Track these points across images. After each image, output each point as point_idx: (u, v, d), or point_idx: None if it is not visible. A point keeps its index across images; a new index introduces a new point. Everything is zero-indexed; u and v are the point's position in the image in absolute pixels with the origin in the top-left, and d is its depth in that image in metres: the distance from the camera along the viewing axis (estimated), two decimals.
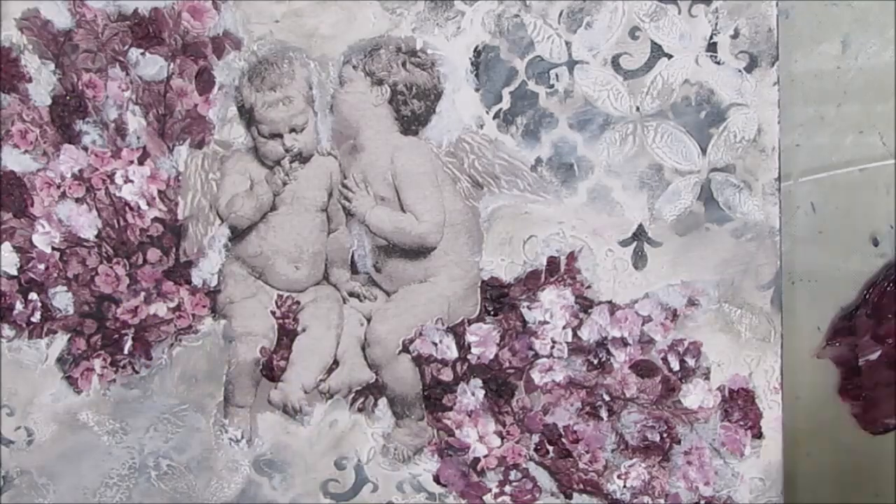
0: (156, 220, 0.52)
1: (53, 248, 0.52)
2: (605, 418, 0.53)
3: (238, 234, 0.53)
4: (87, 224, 0.52)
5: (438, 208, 0.52)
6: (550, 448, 0.53)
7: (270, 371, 0.53)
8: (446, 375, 0.53)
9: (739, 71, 0.51)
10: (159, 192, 0.52)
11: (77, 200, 0.52)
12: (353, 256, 0.53)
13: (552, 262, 0.52)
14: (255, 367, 0.53)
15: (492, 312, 0.53)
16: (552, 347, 0.53)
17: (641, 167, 0.52)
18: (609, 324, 0.53)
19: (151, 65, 0.51)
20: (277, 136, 0.52)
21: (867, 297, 0.55)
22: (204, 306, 0.53)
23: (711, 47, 0.51)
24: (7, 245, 0.52)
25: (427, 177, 0.52)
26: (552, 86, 0.51)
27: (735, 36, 0.51)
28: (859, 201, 0.54)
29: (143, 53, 0.51)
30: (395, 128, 0.52)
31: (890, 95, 0.54)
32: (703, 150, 0.52)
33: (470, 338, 0.53)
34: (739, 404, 0.53)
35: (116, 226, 0.52)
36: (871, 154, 0.54)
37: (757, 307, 0.52)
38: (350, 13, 0.51)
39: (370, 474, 0.54)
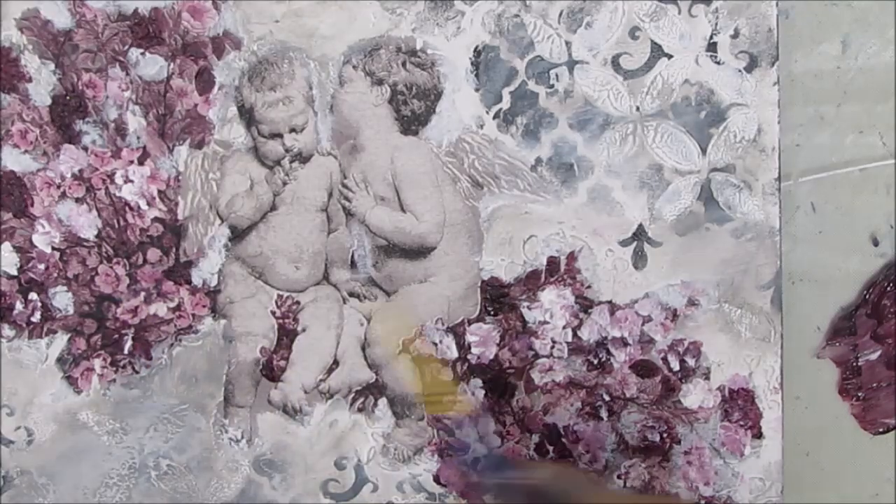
0: (156, 220, 0.52)
1: (53, 248, 0.52)
2: (605, 418, 0.53)
3: (238, 234, 0.53)
4: (87, 224, 0.52)
5: (438, 208, 0.52)
6: (550, 448, 0.53)
7: (270, 371, 0.53)
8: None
9: (739, 71, 0.51)
10: (159, 192, 0.52)
11: (77, 200, 0.52)
12: (353, 256, 0.53)
13: (552, 262, 0.52)
14: (255, 367, 0.53)
15: (492, 312, 0.53)
16: (552, 347, 0.53)
17: (641, 167, 0.52)
18: (609, 324, 0.53)
19: (151, 65, 0.51)
20: (277, 136, 0.52)
21: (867, 297, 0.55)
22: (204, 306, 0.53)
23: (711, 47, 0.51)
24: (7, 245, 0.52)
25: (427, 177, 0.52)
26: (552, 86, 0.51)
27: (735, 36, 0.51)
28: (859, 201, 0.54)
29: (143, 53, 0.51)
30: (395, 128, 0.52)
31: (890, 95, 0.54)
32: (703, 150, 0.52)
33: (470, 338, 0.53)
34: (739, 404, 0.53)
35: (116, 226, 0.52)
36: (871, 154, 0.54)
37: (757, 307, 0.52)
38: (350, 13, 0.51)
39: (370, 474, 0.54)
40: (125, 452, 0.53)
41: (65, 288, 0.52)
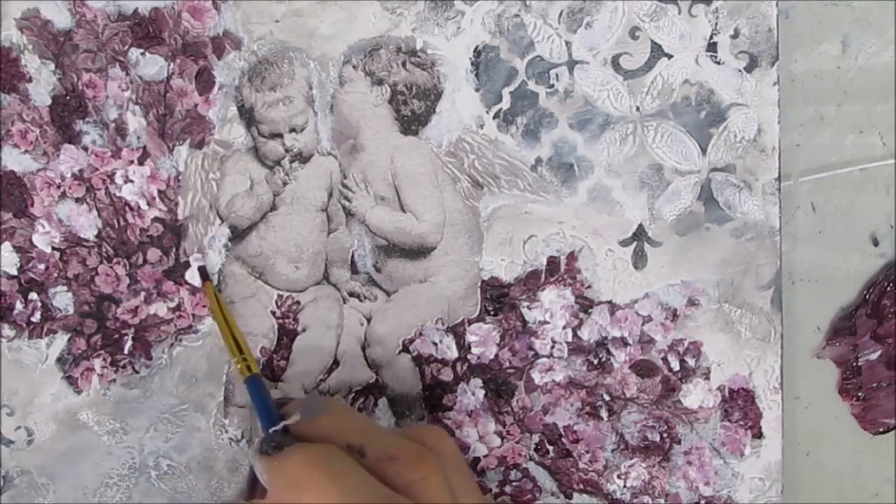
0: (156, 220, 0.52)
1: (53, 248, 0.52)
2: (605, 418, 0.53)
3: (238, 234, 0.53)
4: (87, 224, 0.52)
5: (438, 208, 0.52)
6: (550, 448, 0.53)
7: (270, 371, 0.53)
8: (446, 375, 0.53)
9: (739, 71, 0.51)
10: (159, 192, 0.52)
11: (77, 200, 0.52)
12: (353, 256, 0.53)
13: (552, 262, 0.52)
14: None
15: (492, 312, 0.53)
16: (552, 347, 0.53)
17: (641, 167, 0.52)
18: (609, 324, 0.53)
19: (151, 65, 0.51)
20: (277, 136, 0.52)
21: (867, 297, 0.55)
22: (204, 306, 0.53)
23: (711, 47, 0.51)
24: (7, 245, 0.52)
25: (427, 177, 0.52)
26: (552, 86, 0.51)
27: (735, 36, 0.51)
28: (859, 201, 0.54)
29: (143, 53, 0.51)
30: (395, 128, 0.52)
31: (890, 95, 0.54)
32: (703, 150, 0.52)
33: (470, 338, 0.53)
34: (739, 404, 0.53)
35: (116, 226, 0.52)
36: (871, 154, 0.54)
37: (757, 307, 0.52)
38: (350, 13, 0.51)
39: None
40: (125, 452, 0.53)
41: (65, 288, 0.52)
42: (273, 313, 0.53)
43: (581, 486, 0.54)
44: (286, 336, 0.53)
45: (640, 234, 0.52)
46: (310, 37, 0.51)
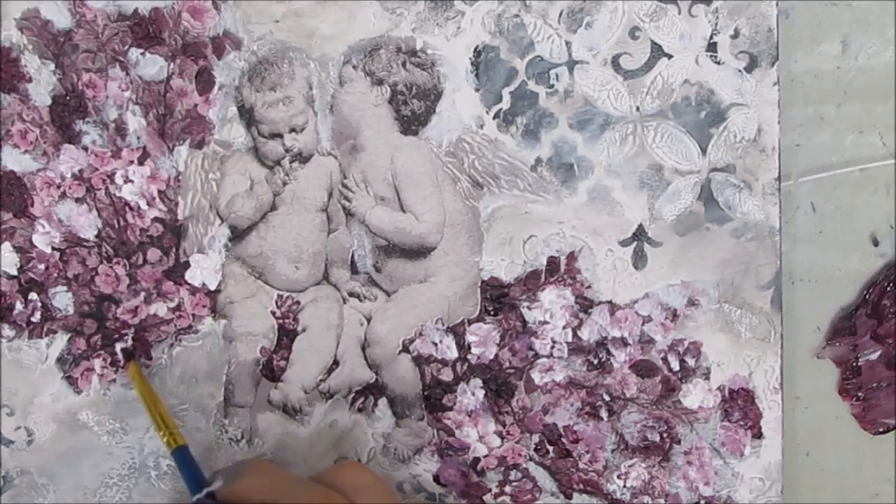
0: (156, 220, 0.52)
1: (53, 248, 0.52)
2: (605, 418, 0.53)
3: (238, 234, 0.53)
4: (87, 224, 0.52)
5: (438, 208, 0.52)
6: (550, 448, 0.53)
7: (270, 371, 0.53)
8: (446, 375, 0.53)
9: (739, 71, 0.51)
10: (159, 192, 0.52)
11: (77, 200, 0.52)
12: (353, 256, 0.53)
13: (552, 262, 0.52)
14: (255, 367, 0.53)
15: (492, 312, 0.53)
16: (552, 347, 0.53)
17: (641, 167, 0.52)
18: (609, 324, 0.53)
19: (151, 65, 0.51)
20: (277, 136, 0.52)
21: (867, 297, 0.55)
22: (204, 306, 0.53)
23: (711, 47, 0.51)
24: (7, 245, 0.52)
25: (427, 177, 0.52)
26: (552, 86, 0.51)
27: (735, 36, 0.51)
28: (859, 201, 0.54)
29: (143, 53, 0.51)
30: (395, 128, 0.52)
31: (890, 95, 0.54)
32: (703, 150, 0.52)
33: (470, 338, 0.53)
34: (739, 404, 0.53)
35: (116, 226, 0.52)
36: (871, 154, 0.54)
37: (757, 307, 0.52)
38: (350, 13, 0.51)
39: None
40: (125, 452, 0.53)
41: (65, 288, 0.52)
42: (273, 313, 0.53)
43: (581, 486, 0.54)
44: (286, 336, 0.53)
45: (640, 234, 0.52)
46: (310, 37, 0.51)
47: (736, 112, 0.51)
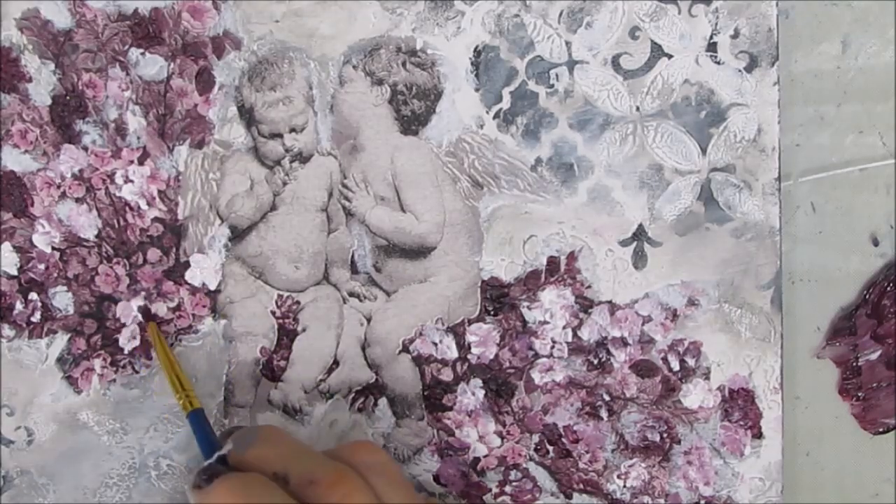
0: (156, 220, 0.52)
1: (53, 248, 0.52)
2: (605, 418, 0.53)
3: (238, 234, 0.53)
4: (87, 224, 0.52)
5: (438, 208, 0.52)
6: (550, 448, 0.53)
7: (270, 371, 0.53)
8: (446, 375, 0.53)
9: (739, 71, 0.51)
10: (159, 192, 0.52)
11: (77, 200, 0.52)
12: (353, 256, 0.53)
13: (552, 262, 0.52)
14: (255, 367, 0.53)
15: (492, 312, 0.53)
16: (552, 347, 0.53)
17: (641, 167, 0.52)
18: (609, 324, 0.53)
19: (151, 65, 0.51)
20: (277, 136, 0.52)
21: (867, 297, 0.55)
22: (204, 306, 0.53)
23: (711, 47, 0.51)
24: (7, 245, 0.52)
25: (427, 177, 0.52)
26: (552, 86, 0.51)
27: (735, 36, 0.51)
28: (859, 201, 0.54)
29: (143, 53, 0.51)
30: (395, 128, 0.52)
31: (890, 95, 0.54)
32: (703, 150, 0.52)
33: (470, 338, 0.53)
34: (739, 404, 0.53)
35: (116, 226, 0.52)
36: (871, 154, 0.54)
37: (757, 307, 0.52)
38: (350, 13, 0.51)
39: None
40: (125, 452, 0.53)
41: (65, 288, 0.52)
42: (273, 313, 0.53)
43: (581, 486, 0.54)
44: (286, 336, 0.53)
45: (640, 234, 0.52)
46: (310, 37, 0.51)
47: (736, 112, 0.51)
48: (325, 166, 0.53)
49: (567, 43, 0.51)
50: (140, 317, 0.52)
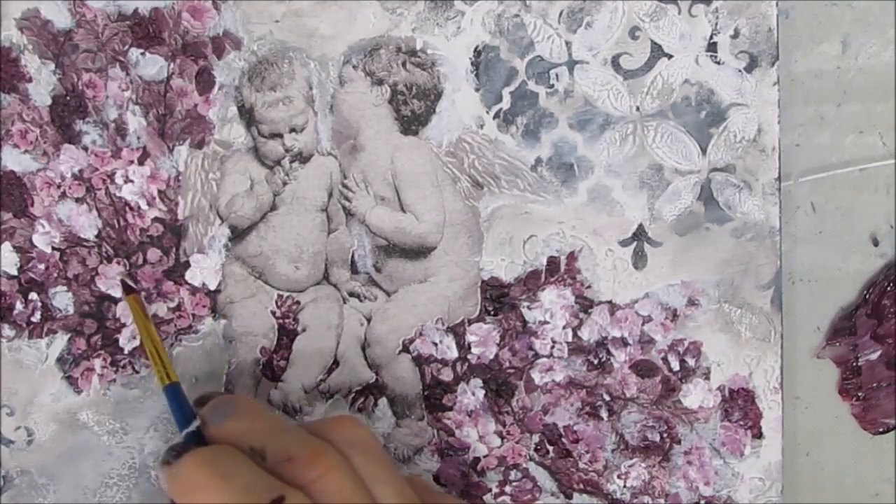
0: (156, 220, 0.52)
1: (53, 248, 0.52)
2: (605, 418, 0.53)
3: (238, 234, 0.53)
4: (87, 224, 0.52)
5: (438, 208, 0.52)
6: (550, 448, 0.53)
7: (270, 371, 0.53)
8: (446, 375, 0.53)
9: (739, 71, 0.51)
10: (159, 192, 0.52)
11: (77, 200, 0.52)
12: (353, 256, 0.53)
13: (552, 262, 0.52)
14: (255, 367, 0.53)
15: (492, 312, 0.53)
16: (552, 347, 0.53)
17: (641, 167, 0.52)
18: (609, 324, 0.53)
19: (151, 65, 0.51)
20: (277, 136, 0.52)
21: (867, 297, 0.55)
22: (204, 306, 0.53)
23: (711, 47, 0.51)
24: (7, 245, 0.52)
25: (427, 177, 0.52)
26: (552, 86, 0.51)
27: (735, 36, 0.51)
28: (859, 201, 0.54)
29: (143, 53, 0.51)
30: (395, 128, 0.52)
31: (890, 95, 0.54)
32: (703, 150, 0.52)
33: (470, 338, 0.53)
34: (739, 404, 0.53)
35: (116, 226, 0.52)
36: (871, 154, 0.54)
37: (757, 307, 0.52)
38: (350, 13, 0.51)
39: None
40: (125, 452, 0.53)
41: (65, 288, 0.52)
42: (273, 313, 0.53)
43: (581, 486, 0.54)
44: (286, 336, 0.53)
45: (640, 234, 0.52)
46: (310, 37, 0.51)
47: (736, 112, 0.51)
48: (325, 166, 0.53)
49: (567, 43, 0.51)
50: (121, 287, 0.51)
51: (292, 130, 0.52)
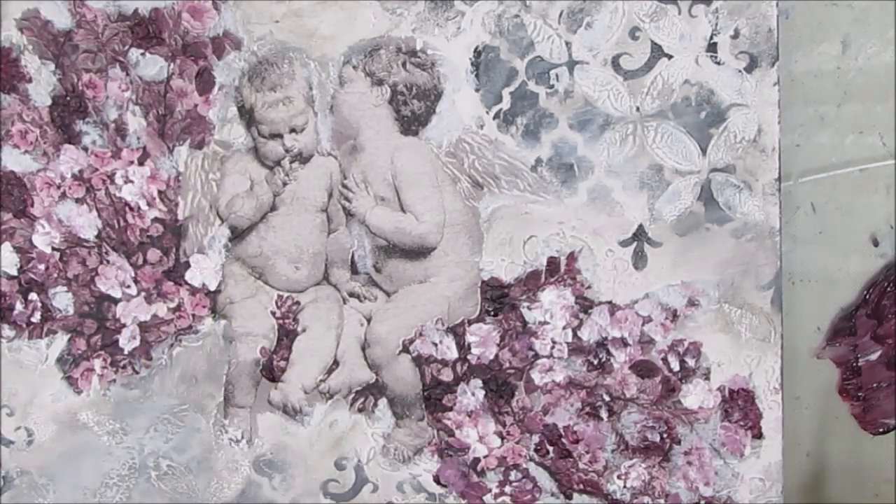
0: (156, 220, 0.52)
1: (53, 248, 0.52)
2: (605, 418, 0.53)
3: (238, 235, 0.53)
4: (87, 224, 0.52)
5: (438, 208, 0.52)
6: (550, 448, 0.53)
7: (270, 371, 0.53)
8: (446, 375, 0.53)
9: (739, 71, 0.51)
10: (159, 192, 0.52)
11: (77, 200, 0.52)
12: (353, 256, 0.53)
13: (552, 263, 0.52)
14: (255, 368, 0.53)
15: (492, 312, 0.53)
16: (552, 348, 0.53)
17: (641, 167, 0.52)
18: (609, 324, 0.53)
19: (151, 65, 0.51)
20: (277, 136, 0.52)
21: (867, 297, 0.55)
22: (204, 306, 0.53)
23: (711, 47, 0.51)
24: (7, 245, 0.52)
25: (427, 177, 0.52)
26: (552, 86, 0.51)
27: (735, 36, 0.51)
28: (859, 201, 0.54)
29: (143, 53, 0.51)
30: (395, 128, 0.52)
31: (890, 95, 0.54)
32: (703, 151, 0.52)
33: (470, 338, 0.53)
34: (739, 404, 0.53)
35: (116, 226, 0.52)
36: (871, 154, 0.54)
37: (757, 307, 0.52)
38: (350, 13, 0.51)
39: (370, 474, 0.54)
40: (125, 452, 0.53)
41: (65, 288, 0.52)
42: (273, 313, 0.53)
43: (581, 487, 0.54)
44: (286, 336, 0.53)
45: (640, 235, 0.52)
46: (310, 37, 0.51)
47: (736, 112, 0.51)
48: (325, 166, 0.53)
49: (567, 43, 0.51)
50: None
51: (292, 131, 0.52)
